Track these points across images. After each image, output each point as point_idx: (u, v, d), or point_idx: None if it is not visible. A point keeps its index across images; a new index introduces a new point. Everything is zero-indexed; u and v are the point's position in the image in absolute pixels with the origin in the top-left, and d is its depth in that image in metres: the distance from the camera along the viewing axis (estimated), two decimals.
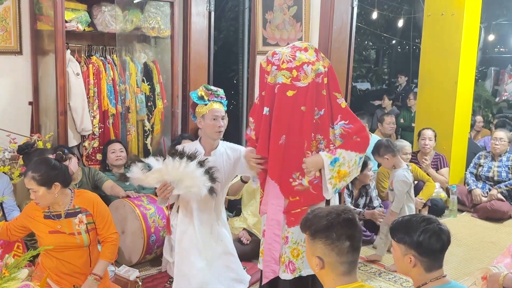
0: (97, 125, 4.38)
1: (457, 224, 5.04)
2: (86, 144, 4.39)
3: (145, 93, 4.64)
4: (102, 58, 4.45)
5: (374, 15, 9.57)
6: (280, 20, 4.33)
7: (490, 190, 5.36)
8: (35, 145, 3.92)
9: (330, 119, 2.73)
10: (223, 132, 3.09)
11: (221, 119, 3.04)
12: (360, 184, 4.51)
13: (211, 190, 2.85)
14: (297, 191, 2.72)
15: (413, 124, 6.91)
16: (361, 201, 4.52)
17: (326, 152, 2.68)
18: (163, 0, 4.52)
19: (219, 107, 3.04)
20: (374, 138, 5.86)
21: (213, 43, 4.82)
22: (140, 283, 3.25)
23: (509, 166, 5.37)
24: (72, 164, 3.85)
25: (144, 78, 4.65)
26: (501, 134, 5.47)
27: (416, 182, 4.76)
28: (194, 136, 4.46)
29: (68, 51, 4.14)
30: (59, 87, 3.98)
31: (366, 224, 4.45)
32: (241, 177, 3.75)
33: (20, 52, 4.33)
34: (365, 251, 4.25)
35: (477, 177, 5.59)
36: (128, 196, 3.85)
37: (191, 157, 2.84)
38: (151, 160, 2.83)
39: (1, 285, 2.07)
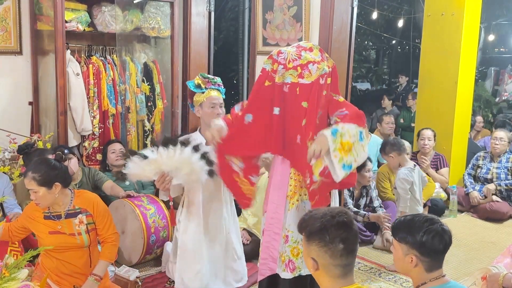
0: (97, 125, 4.38)
1: (457, 224, 5.04)
2: (86, 144, 4.39)
3: (145, 93, 4.65)
4: (102, 58, 4.46)
5: (374, 15, 9.58)
6: (280, 20, 4.32)
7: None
8: (35, 145, 3.92)
9: (327, 117, 2.72)
10: None
11: (220, 107, 3.01)
12: (360, 185, 4.52)
13: (211, 173, 2.81)
14: (314, 191, 2.68)
15: (413, 124, 6.91)
16: (362, 202, 4.52)
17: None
18: (163, 0, 4.52)
19: (217, 95, 3.01)
20: (373, 138, 5.88)
21: (213, 43, 4.81)
22: (140, 283, 3.26)
23: (508, 168, 5.36)
24: (73, 164, 3.86)
25: (144, 78, 4.66)
26: (501, 134, 5.46)
27: None
28: None
29: (68, 51, 4.14)
30: (59, 87, 3.98)
31: (366, 224, 4.46)
32: None
33: (20, 52, 4.33)
34: (365, 251, 4.25)
35: (475, 179, 5.58)
36: (128, 196, 3.85)
37: (185, 143, 2.80)
38: (146, 152, 2.78)
39: (1, 285, 2.07)
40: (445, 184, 5.48)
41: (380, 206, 4.53)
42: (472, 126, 7.05)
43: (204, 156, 2.80)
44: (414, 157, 5.48)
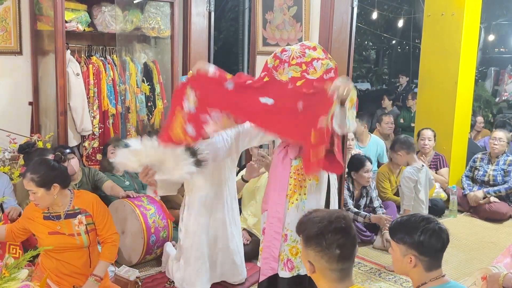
0: (97, 125, 4.38)
1: (457, 224, 5.04)
2: (86, 144, 4.39)
3: (145, 93, 4.64)
4: (102, 58, 4.45)
5: (374, 15, 9.57)
6: (280, 21, 4.32)
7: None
8: (36, 144, 3.92)
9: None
10: None
11: None
12: (360, 185, 4.51)
13: (198, 163, 2.76)
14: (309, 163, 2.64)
15: (412, 124, 6.91)
16: (362, 202, 4.52)
17: None
18: (163, 0, 4.52)
19: None
20: (373, 138, 5.88)
21: (213, 43, 4.81)
22: (140, 284, 3.25)
23: (505, 170, 5.35)
24: (74, 164, 3.86)
25: (144, 78, 4.65)
26: (500, 134, 5.45)
27: None
28: None
29: (68, 51, 4.14)
30: (59, 87, 3.98)
31: (366, 224, 4.45)
32: (242, 176, 3.75)
33: (20, 52, 4.33)
34: (365, 251, 4.25)
35: (473, 180, 5.58)
36: (128, 196, 3.85)
37: None
38: (131, 141, 2.75)
39: (1, 285, 2.07)
40: (445, 184, 5.47)
41: (380, 206, 4.53)
42: (472, 126, 7.04)
43: (189, 148, 2.77)
44: None
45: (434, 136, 5.50)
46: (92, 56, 4.43)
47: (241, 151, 3.23)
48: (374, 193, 4.58)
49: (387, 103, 8.38)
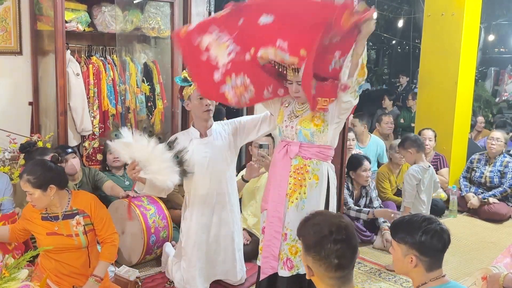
0: (97, 125, 4.38)
1: (457, 224, 5.04)
2: (86, 144, 4.39)
3: (145, 94, 4.64)
4: (102, 59, 4.45)
5: (374, 15, 9.56)
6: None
7: (483, 192, 5.36)
8: (37, 144, 3.92)
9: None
10: (213, 110, 3.05)
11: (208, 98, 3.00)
12: (359, 185, 4.51)
13: (183, 173, 2.77)
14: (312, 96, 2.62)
15: (413, 124, 6.91)
16: (362, 202, 4.52)
17: None
18: (163, 0, 4.52)
19: None
20: (373, 138, 5.88)
21: None
22: (140, 284, 3.25)
23: (501, 171, 5.34)
24: (75, 163, 3.86)
25: (144, 78, 4.65)
26: (497, 134, 5.44)
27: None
28: None
29: (68, 51, 4.14)
30: (59, 87, 3.97)
31: (366, 224, 4.45)
32: (242, 176, 3.75)
33: (20, 52, 4.33)
34: (365, 251, 4.25)
35: (470, 181, 5.57)
36: (128, 196, 3.85)
37: (160, 138, 2.75)
38: (124, 132, 2.71)
39: (1, 285, 2.07)
40: (445, 185, 5.47)
41: (380, 207, 4.52)
42: (473, 126, 7.05)
43: (177, 156, 2.76)
44: None
45: (435, 136, 5.50)
46: (92, 56, 4.43)
47: (240, 146, 3.24)
48: (374, 193, 4.58)
49: (387, 103, 8.39)
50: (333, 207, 2.85)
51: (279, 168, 2.82)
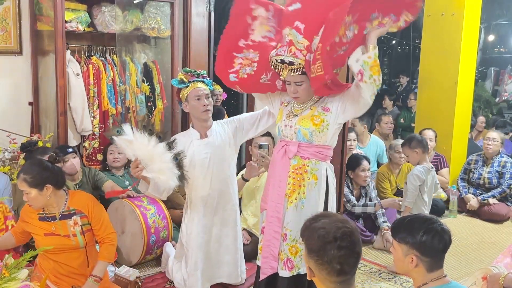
0: (97, 125, 4.38)
1: (457, 224, 5.04)
2: (86, 144, 4.39)
3: (145, 94, 4.64)
4: (102, 59, 4.45)
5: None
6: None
7: (481, 194, 5.36)
8: (37, 144, 3.92)
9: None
10: (211, 111, 3.03)
11: (205, 98, 2.98)
12: (358, 185, 4.52)
13: (181, 177, 2.76)
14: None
15: (413, 125, 6.91)
16: (361, 202, 4.51)
17: None
18: (163, 0, 4.52)
19: (201, 86, 2.99)
20: (373, 138, 5.88)
21: (213, 44, 4.81)
22: (140, 284, 3.25)
23: (499, 172, 5.33)
24: (76, 163, 3.86)
25: (144, 78, 4.65)
26: (493, 134, 5.43)
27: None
28: None
29: (68, 52, 4.14)
30: (59, 87, 3.97)
31: (366, 224, 4.46)
32: (242, 175, 3.75)
33: (20, 53, 4.33)
34: (365, 251, 4.25)
35: (469, 182, 5.57)
36: (128, 196, 3.85)
37: (161, 137, 2.73)
38: (126, 128, 2.69)
39: (1, 285, 2.07)
40: (445, 185, 5.47)
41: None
42: (473, 126, 7.05)
43: (176, 158, 2.74)
44: None
45: (435, 136, 5.50)
46: (92, 56, 4.43)
47: (240, 144, 3.23)
48: (374, 193, 4.58)
49: (388, 103, 8.39)
50: (332, 207, 2.85)
51: (278, 168, 2.82)
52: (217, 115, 3.22)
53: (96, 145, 4.41)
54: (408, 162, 5.03)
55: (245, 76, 2.85)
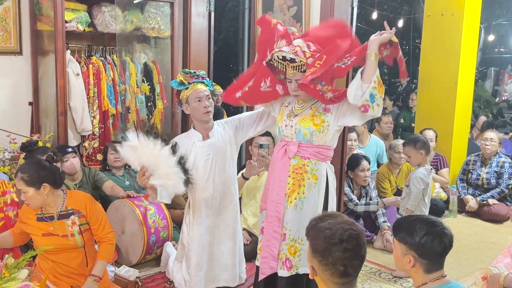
0: (97, 125, 4.38)
1: (457, 224, 5.04)
2: (86, 144, 4.39)
3: (145, 94, 4.64)
4: (102, 59, 4.45)
5: (374, 15, 9.55)
6: (280, 21, 4.33)
7: (480, 194, 5.36)
8: (37, 144, 3.92)
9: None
10: (212, 112, 3.02)
11: (206, 99, 2.97)
12: (359, 185, 4.52)
13: (187, 181, 2.75)
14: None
15: (413, 125, 6.91)
16: (362, 202, 4.51)
17: None
18: (163, 0, 4.52)
19: (201, 87, 2.98)
20: (373, 138, 5.88)
21: (213, 43, 4.81)
22: (140, 284, 3.25)
23: (498, 172, 5.33)
24: (75, 163, 3.86)
25: (144, 78, 4.65)
26: (491, 134, 5.42)
27: None
28: None
29: (68, 52, 4.14)
30: (59, 87, 3.97)
31: (366, 224, 4.46)
32: (242, 174, 3.75)
33: (20, 53, 4.33)
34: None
35: (468, 183, 5.57)
36: (128, 196, 3.85)
37: (166, 140, 2.71)
38: (130, 135, 2.67)
39: (1, 285, 2.07)
40: (445, 185, 5.47)
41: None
42: (474, 126, 7.04)
43: (180, 162, 2.73)
44: None
45: (436, 137, 5.50)
46: (92, 56, 4.43)
47: (240, 143, 3.22)
48: (374, 193, 4.58)
49: (388, 103, 8.38)
50: (332, 208, 2.85)
51: (278, 168, 2.82)
52: (216, 115, 3.21)
53: (96, 145, 4.41)
54: (408, 162, 5.03)
55: (247, 89, 2.88)
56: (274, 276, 2.83)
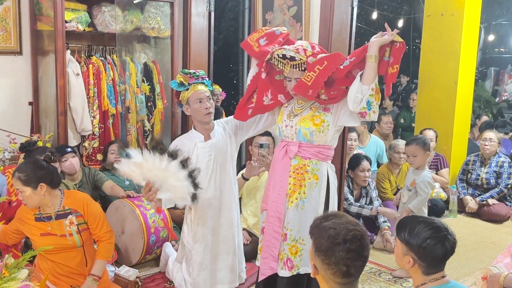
0: (97, 125, 4.38)
1: (457, 224, 5.04)
2: (86, 144, 4.39)
3: (145, 93, 4.64)
4: (102, 59, 4.45)
5: (374, 15, 9.56)
6: (280, 21, 4.32)
7: (480, 194, 5.37)
8: (37, 144, 3.92)
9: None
10: (213, 113, 3.01)
11: (207, 100, 2.96)
12: (359, 185, 4.51)
13: (194, 197, 2.74)
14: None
15: (413, 124, 6.91)
16: (362, 202, 4.52)
17: None
18: (163, 0, 4.52)
19: (202, 88, 2.97)
20: (373, 138, 5.88)
21: (213, 43, 4.81)
22: (140, 284, 3.25)
23: (497, 172, 5.33)
24: (75, 163, 3.86)
25: (144, 78, 4.65)
26: (490, 134, 5.42)
27: None
28: None
29: (68, 51, 4.14)
30: (59, 87, 3.98)
31: (366, 224, 4.45)
32: (242, 174, 3.75)
33: (20, 52, 4.33)
34: None
35: (467, 183, 5.57)
36: (128, 196, 3.85)
37: (173, 155, 2.68)
38: (133, 152, 2.65)
39: (1, 285, 2.07)
40: (446, 185, 5.47)
41: (380, 206, 4.52)
42: (474, 126, 7.04)
43: (191, 175, 2.71)
44: None
45: (436, 137, 5.49)
46: (92, 56, 4.43)
47: (240, 143, 3.22)
48: (374, 193, 4.58)
49: (388, 103, 8.39)
50: (333, 208, 2.84)
51: (279, 168, 2.82)
52: (215, 115, 3.21)
53: (96, 145, 4.41)
54: (407, 162, 5.01)
55: (253, 104, 2.92)
56: (274, 276, 2.83)
